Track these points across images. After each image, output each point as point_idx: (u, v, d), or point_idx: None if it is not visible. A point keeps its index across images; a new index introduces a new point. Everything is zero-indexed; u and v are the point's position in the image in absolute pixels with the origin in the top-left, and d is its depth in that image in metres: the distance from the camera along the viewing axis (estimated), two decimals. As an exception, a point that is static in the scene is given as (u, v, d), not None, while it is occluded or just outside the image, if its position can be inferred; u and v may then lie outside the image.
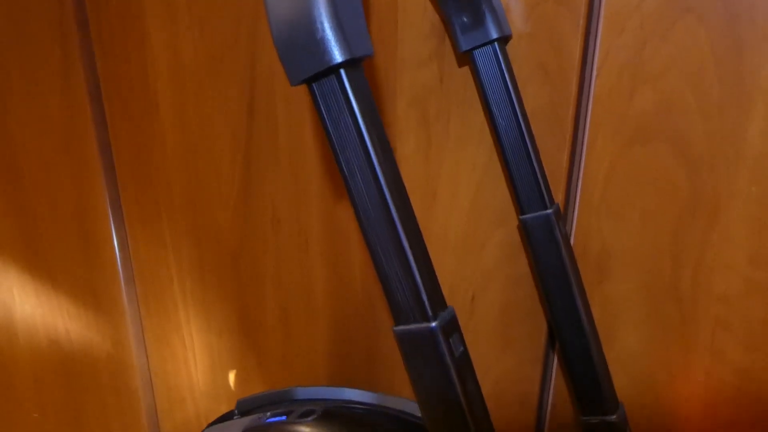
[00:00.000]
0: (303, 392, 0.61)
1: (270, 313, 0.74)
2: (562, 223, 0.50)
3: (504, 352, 0.60)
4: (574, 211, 0.53)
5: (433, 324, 0.31)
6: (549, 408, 0.60)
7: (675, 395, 0.53)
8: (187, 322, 0.81)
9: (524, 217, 0.49)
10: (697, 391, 0.52)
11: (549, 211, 0.49)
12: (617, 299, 0.53)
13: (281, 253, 0.70)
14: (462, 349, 0.33)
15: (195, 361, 0.82)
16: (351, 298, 0.67)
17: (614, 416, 0.51)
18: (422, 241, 0.33)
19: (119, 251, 0.82)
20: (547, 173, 0.52)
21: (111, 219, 0.81)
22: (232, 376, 0.78)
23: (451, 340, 0.32)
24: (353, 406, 0.57)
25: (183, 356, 0.83)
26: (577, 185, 0.52)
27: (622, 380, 0.55)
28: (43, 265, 0.92)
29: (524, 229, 0.50)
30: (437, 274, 0.61)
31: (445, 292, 0.61)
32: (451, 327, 0.32)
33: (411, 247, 0.31)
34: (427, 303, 0.31)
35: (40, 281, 0.93)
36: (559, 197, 0.53)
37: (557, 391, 0.59)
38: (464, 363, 0.32)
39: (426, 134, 0.57)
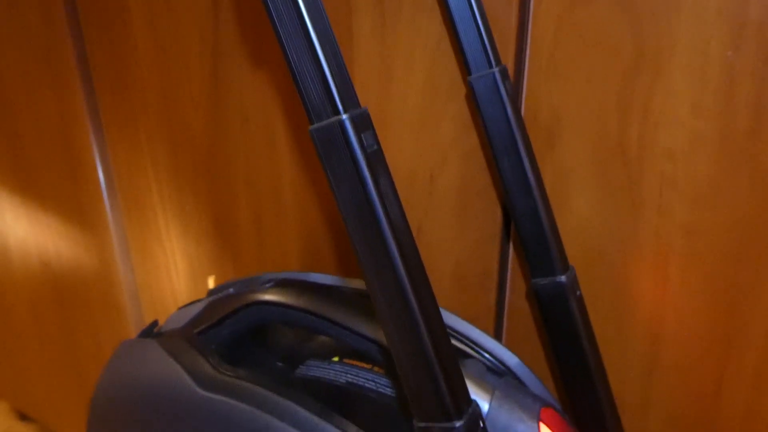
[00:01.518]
0: (271, 275, 0.62)
1: (244, 217, 0.75)
2: (509, 83, 0.50)
3: (463, 232, 0.60)
4: (524, 77, 0.53)
5: (344, 117, 0.32)
6: (508, 285, 0.61)
7: (625, 260, 0.54)
8: (167, 231, 0.83)
9: (471, 77, 0.50)
10: (647, 254, 0.52)
11: (494, 69, 0.49)
12: (567, 165, 0.54)
13: (251, 152, 0.71)
14: (375, 147, 0.34)
15: (176, 270, 0.84)
16: (320, 193, 0.68)
17: (564, 277, 0.51)
18: (333, 38, 0.33)
19: (100, 161, 0.84)
20: (496, 38, 0.53)
21: (91, 129, 0.83)
22: (210, 282, 0.80)
23: (363, 136, 0.33)
24: (312, 281, 0.58)
25: (165, 266, 0.85)
26: (525, 49, 0.53)
27: (574, 249, 0.55)
28: (30, 184, 0.94)
29: (472, 90, 0.50)
30: (396, 156, 0.61)
31: (405, 175, 0.61)
32: (364, 124, 0.33)
33: (321, 44, 0.32)
34: (337, 98, 0.32)
35: (30, 202, 0.96)
36: (509, 62, 0.53)
37: (514, 268, 0.60)
38: (377, 160, 0.33)
39: (381, 14, 0.57)
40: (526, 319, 0.61)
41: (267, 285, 0.54)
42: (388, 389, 0.51)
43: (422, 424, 0.34)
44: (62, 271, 0.98)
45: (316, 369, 0.54)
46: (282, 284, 0.54)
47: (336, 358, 0.56)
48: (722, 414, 0.53)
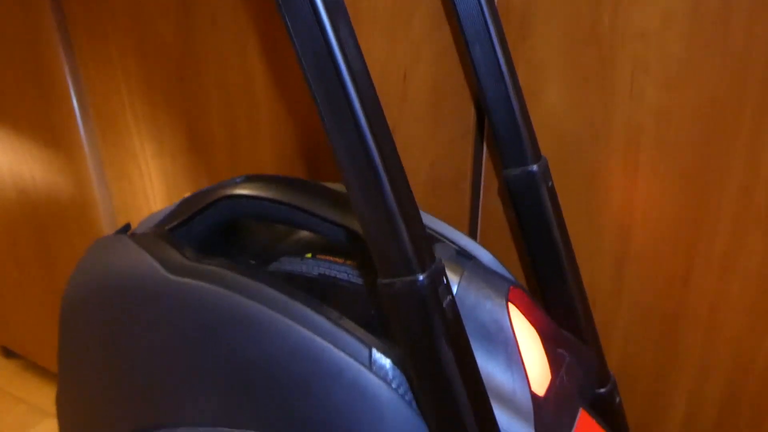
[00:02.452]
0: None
1: (218, 128, 0.74)
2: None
3: (437, 131, 0.60)
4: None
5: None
6: (482, 186, 0.61)
7: (597, 148, 0.53)
8: (143, 150, 0.82)
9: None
10: (618, 141, 0.52)
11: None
12: (540, 56, 0.53)
13: (222, 59, 0.70)
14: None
15: (153, 189, 0.83)
16: (293, 101, 0.67)
17: (535, 166, 0.51)
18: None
19: (71, 79, 0.82)
20: None
21: (60, 45, 0.81)
22: (187, 199, 0.79)
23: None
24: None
25: (141, 186, 0.84)
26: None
27: (547, 139, 0.55)
28: (1, 109, 0.93)
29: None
30: (368, 55, 0.60)
31: (378, 74, 0.60)
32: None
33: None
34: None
35: (3, 126, 0.94)
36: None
37: (489, 169, 0.60)
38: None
39: None
40: (500, 220, 0.61)
41: (238, 180, 0.54)
42: (361, 279, 0.51)
43: (386, 281, 0.34)
44: (38, 197, 0.97)
45: (289, 264, 0.54)
46: (252, 179, 0.54)
47: (309, 255, 0.55)
48: (690, 301, 0.54)
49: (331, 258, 0.54)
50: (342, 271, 0.52)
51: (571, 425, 0.48)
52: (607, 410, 0.56)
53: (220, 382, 0.44)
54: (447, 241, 0.53)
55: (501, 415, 0.41)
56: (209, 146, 0.76)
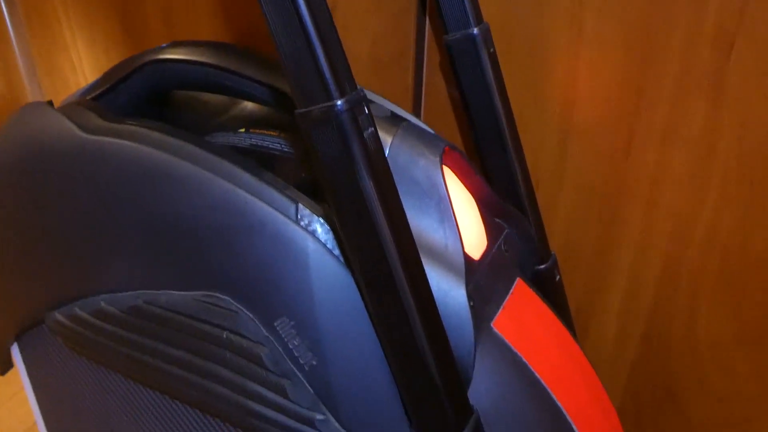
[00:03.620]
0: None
1: (152, 18, 0.70)
2: None
3: (378, 7, 0.57)
4: None
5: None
6: (425, 64, 0.59)
7: (541, 13, 0.51)
8: (74, 43, 0.77)
9: None
10: (562, 5, 0.50)
11: None
12: None
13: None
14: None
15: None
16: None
17: (476, 29, 0.49)
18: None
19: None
20: None
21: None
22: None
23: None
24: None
25: (75, 82, 0.80)
26: None
27: (491, 7, 0.53)
28: None
29: None
30: None
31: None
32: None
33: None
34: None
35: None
36: None
37: (431, 47, 0.58)
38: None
39: None
40: (443, 99, 0.59)
41: (163, 46, 0.51)
42: (293, 149, 0.49)
43: (303, 110, 0.32)
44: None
45: (220, 138, 0.52)
46: (178, 44, 0.51)
47: (242, 130, 0.53)
48: (631, 176, 0.53)
49: (265, 131, 0.52)
50: (275, 142, 0.50)
51: (506, 292, 0.47)
52: (547, 287, 0.56)
53: (140, 243, 0.42)
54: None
55: (431, 270, 0.40)
56: (144, 37, 0.72)
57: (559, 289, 0.58)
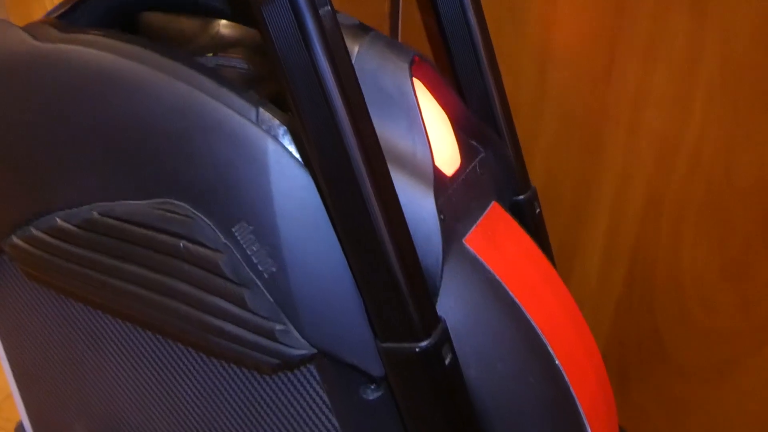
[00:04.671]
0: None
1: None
2: None
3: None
4: None
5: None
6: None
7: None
8: (47, -14, 0.75)
9: None
10: None
11: None
12: None
13: None
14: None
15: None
16: None
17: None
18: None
19: None
20: None
21: None
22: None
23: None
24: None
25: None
26: None
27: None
28: None
29: None
30: None
31: None
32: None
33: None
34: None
35: None
36: None
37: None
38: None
39: None
40: (419, 28, 0.57)
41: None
42: (258, 68, 0.47)
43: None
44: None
45: (187, 61, 0.50)
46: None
47: (210, 54, 0.51)
48: (613, 100, 0.52)
49: (233, 54, 0.50)
50: (240, 62, 0.48)
51: (480, 212, 0.45)
52: (527, 220, 0.54)
53: (94, 153, 0.40)
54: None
55: (398, 176, 0.38)
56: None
57: (540, 223, 0.56)
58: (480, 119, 0.51)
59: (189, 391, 0.47)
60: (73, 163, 0.41)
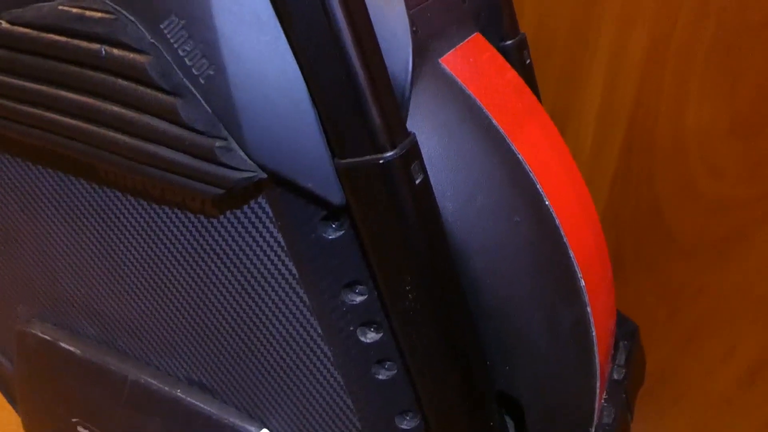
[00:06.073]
0: None
1: None
2: None
3: None
4: None
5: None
6: None
7: None
8: None
9: None
10: None
11: None
12: None
13: None
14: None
15: None
16: None
17: None
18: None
19: None
20: None
21: None
22: None
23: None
24: None
25: None
26: None
27: None
28: None
29: None
30: None
31: None
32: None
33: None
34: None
35: None
36: None
37: None
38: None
39: None
40: None
41: None
42: None
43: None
44: None
45: None
46: None
47: None
48: None
49: None
50: None
51: (460, 38, 0.40)
52: (515, 68, 0.48)
53: None
54: None
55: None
56: None
57: (530, 75, 0.50)
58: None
59: (132, 251, 0.41)
60: None
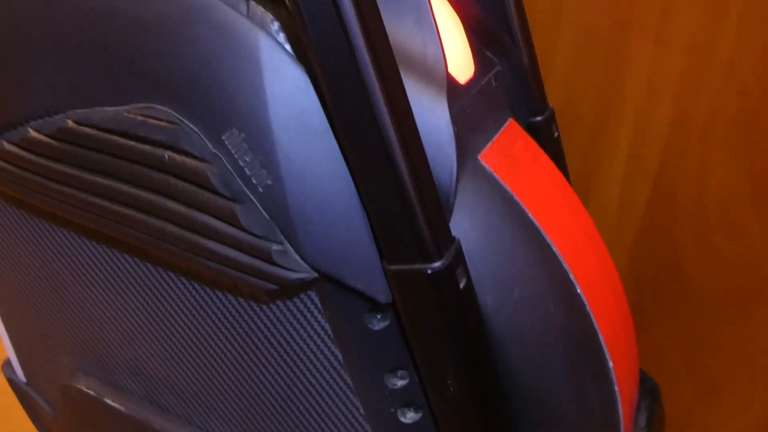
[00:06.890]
0: None
1: None
2: None
3: None
4: None
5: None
6: None
7: None
8: None
9: None
10: None
11: None
12: None
13: None
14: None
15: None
16: None
17: None
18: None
19: None
20: None
21: None
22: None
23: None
24: None
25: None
26: None
27: None
28: None
29: None
30: None
31: None
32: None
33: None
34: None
35: None
36: None
37: None
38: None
39: None
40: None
41: None
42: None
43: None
44: None
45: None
46: None
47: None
48: (639, 4, 0.47)
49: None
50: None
51: (496, 128, 0.41)
52: (544, 144, 0.50)
53: (66, 51, 0.36)
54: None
55: (408, 79, 0.34)
56: None
57: (558, 147, 0.52)
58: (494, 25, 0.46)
59: (181, 323, 0.43)
60: (43, 65, 0.37)
